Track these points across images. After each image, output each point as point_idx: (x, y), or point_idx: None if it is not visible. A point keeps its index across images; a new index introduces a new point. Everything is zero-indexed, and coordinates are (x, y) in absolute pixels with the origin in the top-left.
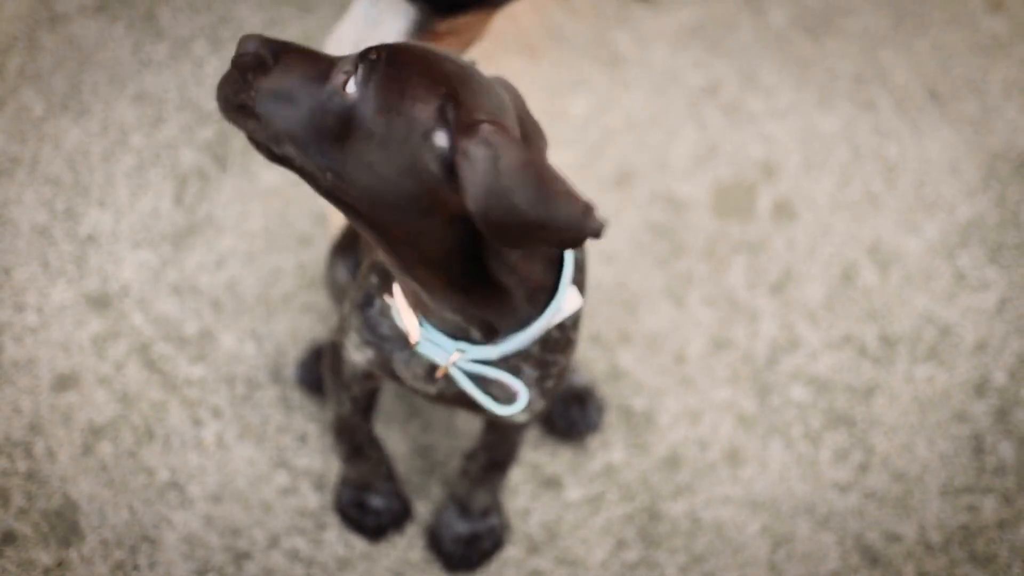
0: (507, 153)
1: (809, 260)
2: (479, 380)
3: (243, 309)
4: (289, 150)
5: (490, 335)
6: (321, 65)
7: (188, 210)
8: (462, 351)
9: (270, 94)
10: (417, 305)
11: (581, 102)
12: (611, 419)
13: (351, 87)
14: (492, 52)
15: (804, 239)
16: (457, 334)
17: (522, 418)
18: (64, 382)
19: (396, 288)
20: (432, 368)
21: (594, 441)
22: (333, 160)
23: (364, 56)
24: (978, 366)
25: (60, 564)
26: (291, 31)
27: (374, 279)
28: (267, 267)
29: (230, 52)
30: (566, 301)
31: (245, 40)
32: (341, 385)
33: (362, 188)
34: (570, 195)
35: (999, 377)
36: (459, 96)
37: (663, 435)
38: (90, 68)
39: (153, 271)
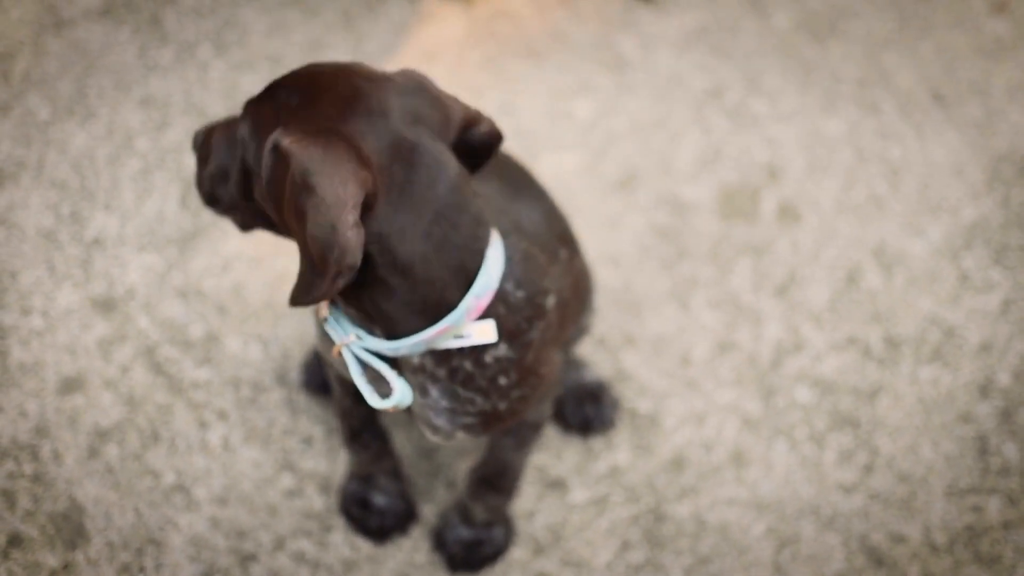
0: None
1: (813, 263)
2: (367, 368)
3: (249, 313)
4: (243, 216)
5: (391, 336)
6: (231, 129)
7: (194, 214)
8: (359, 337)
9: (211, 179)
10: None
11: (585, 105)
12: (617, 421)
13: (243, 131)
14: (497, 56)
15: (808, 242)
16: (363, 325)
17: (439, 439)
18: (70, 385)
19: None
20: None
21: (599, 443)
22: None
23: (246, 107)
24: (982, 367)
25: (66, 566)
26: (296, 35)
27: None
28: (273, 271)
29: (235, 56)
30: (474, 329)
31: (194, 137)
32: (329, 368)
33: (268, 213)
34: (329, 206)
35: (1003, 378)
36: (287, 122)
37: (668, 437)
38: (96, 72)
39: (159, 274)
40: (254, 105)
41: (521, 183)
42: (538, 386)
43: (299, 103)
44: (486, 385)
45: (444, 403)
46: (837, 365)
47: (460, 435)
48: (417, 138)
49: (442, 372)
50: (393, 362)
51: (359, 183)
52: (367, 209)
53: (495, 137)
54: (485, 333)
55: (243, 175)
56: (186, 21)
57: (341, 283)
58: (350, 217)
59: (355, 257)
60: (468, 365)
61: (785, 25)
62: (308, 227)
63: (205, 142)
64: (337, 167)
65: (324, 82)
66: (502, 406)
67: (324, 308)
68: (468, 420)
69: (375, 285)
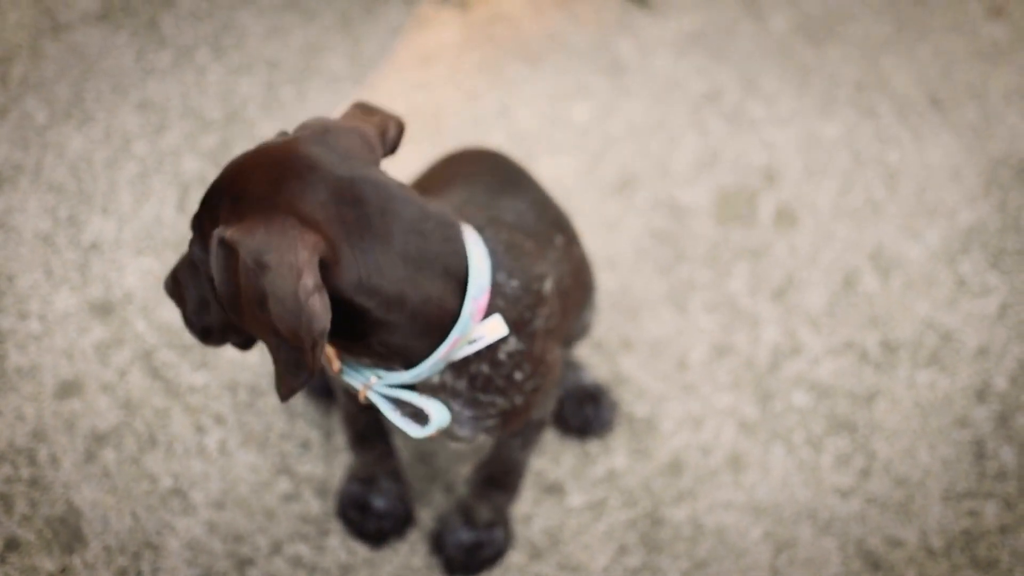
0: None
1: (811, 266)
2: (398, 403)
3: None
4: (237, 334)
5: (409, 365)
6: (189, 256)
7: (191, 217)
8: (379, 376)
9: (195, 314)
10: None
11: (583, 109)
12: (615, 425)
13: (195, 251)
14: (494, 59)
15: (806, 245)
16: (379, 365)
17: (463, 447)
18: (67, 389)
19: None
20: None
21: (596, 447)
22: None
23: (191, 226)
24: (979, 372)
25: (63, 570)
26: (294, 39)
27: None
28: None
29: (233, 60)
30: (483, 330)
31: (164, 285)
32: (333, 378)
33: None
34: (284, 278)
35: (1000, 382)
36: (227, 218)
37: (665, 441)
38: (93, 76)
39: (156, 278)
40: (196, 220)
41: (508, 179)
42: (547, 375)
43: (231, 199)
44: (504, 384)
45: (468, 413)
46: (834, 369)
47: (481, 438)
48: (351, 172)
49: (462, 384)
50: (413, 388)
51: (309, 246)
52: (332, 265)
53: (402, 130)
54: (495, 329)
55: (215, 293)
56: (184, 25)
57: (319, 352)
58: (309, 282)
59: (323, 322)
60: (485, 368)
61: (782, 28)
62: (271, 307)
63: (175, 283)
64: (282, 238)
65: (245, 170)
66: (519, 401)
67: (335, 362)
68: (490, 423)
69: (378, 328)
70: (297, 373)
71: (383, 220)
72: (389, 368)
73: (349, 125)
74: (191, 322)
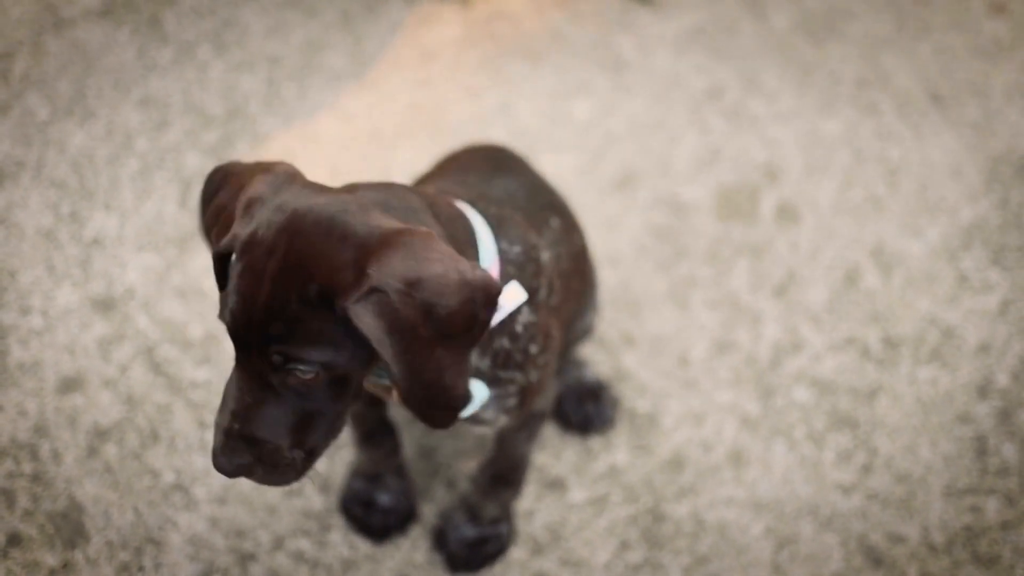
0: None
1: (812, 263)
2: None
3: None
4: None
5: None
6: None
7: (193, 213)
8: None
9: (293, 447)
10: None
11: (584, 106)
12: (617, 421)
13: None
14: (495, 57)
15: (807, 242)
16: None
17: (488, 430)
18: (69, 384)
19: None
20: None
21: (598, 443)
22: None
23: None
24: (981, 368)
25: (65, 566)
26: (295, 36)
27: None
28: None
29: (234, 57)
30: (506, 297)
31: (221, 466)
32: None
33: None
34: (447, 266)
35: (1002, 379)
36: (343, 287)
37: (667, 437)
38: (95, 72)
39: (158, 274)
40: (281, 349)
41: (502, 165)
42: (553, 349)
43: (324, 280)
44: (521, 358)
45: (491, 392)
46: (836, 365)
47: (502, 420)
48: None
49: (486, 363)
50: None
51: (433, 235)
52: None
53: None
54: (515, 295)
55: (336, 383)
56: (185, 22)
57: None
58: (464, 263)
59: (497, 284)
60: (506, 342)
61: (783, 26)
62: (441, 313)
63: (247, 446)
64: (409, 247)
65: (310, 255)
66: (534, 377)
67: None
68: (511, 402)
69: None
70: (462, 373)
71: (421, 217)
72: None
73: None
74: (290, 462)
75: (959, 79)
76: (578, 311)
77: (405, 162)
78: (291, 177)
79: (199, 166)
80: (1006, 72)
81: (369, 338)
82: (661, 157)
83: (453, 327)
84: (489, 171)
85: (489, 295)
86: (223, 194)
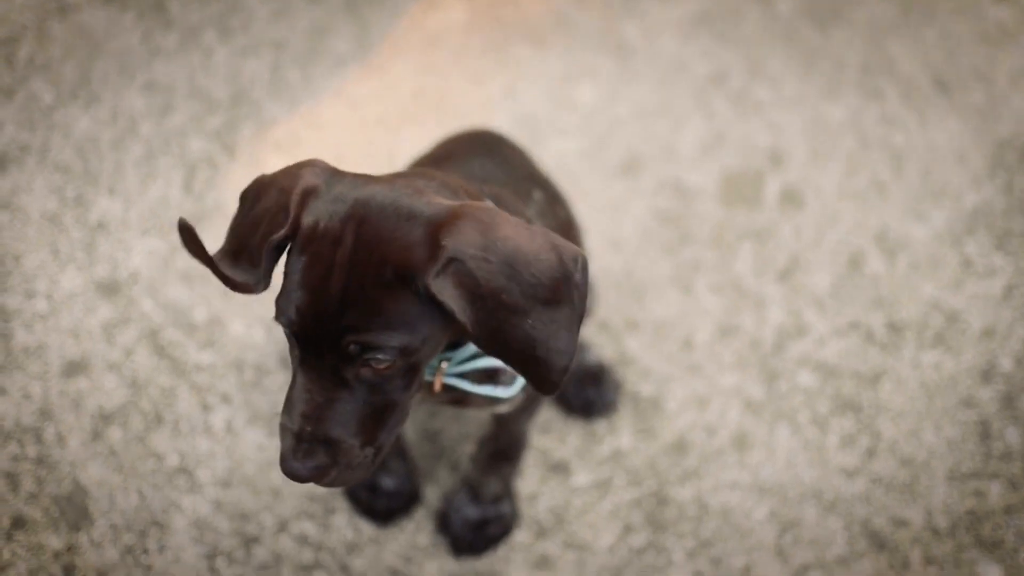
0: None
1: (816, 248)
2: (472, 376)
3: (252, 296)
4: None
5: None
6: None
7: (197, 198)
8: (447, 359)
9: (364, 446)
10: None
11: (588, 91)
12: (619, 405)
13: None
14: (500, 41)
15: (811, 227)
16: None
17: (504, 409)
18: (74, 368)
19: None
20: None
21: (602, 426)
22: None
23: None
24: (985, 352)
25: (70, 548)
26: (300, 21)
27: None
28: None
29: (239, 41)
30: None
31: (295, 471)
32: None
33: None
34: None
35: (1006, 363)
36: (421, 261)
37: (671, 421)
38: (100, 57)
39: (162, 258)
40: (354, 338)
41: (483, 147)
42: None
43: (399, 259)
44: None
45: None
46: (839, 350)
47: (518, 399)
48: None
49: None
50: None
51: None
52: None
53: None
54: None
55: (408, 371)
56: (190, 6)
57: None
58: (537, 226)
59: (576, 246)
60: None
61: (788, 11)
62: (525, 276)
63: (326, 452)
64: (483, 216)
65: (385, 240)
66: None
67: None
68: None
69: None
70: (570, 336)
71: (462, 197)
72: (454, 346)
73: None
74: (362, 459)
75: (964, 65)
76: None
77: (410, 147)
78: (335, 170)
79: (203, 151)
80: (1011, 57)
81: (453, 309)
82: (666, 142)
83: (543, 292)
84: (470, 152)
85: (573, 257)
86: (265, 201)
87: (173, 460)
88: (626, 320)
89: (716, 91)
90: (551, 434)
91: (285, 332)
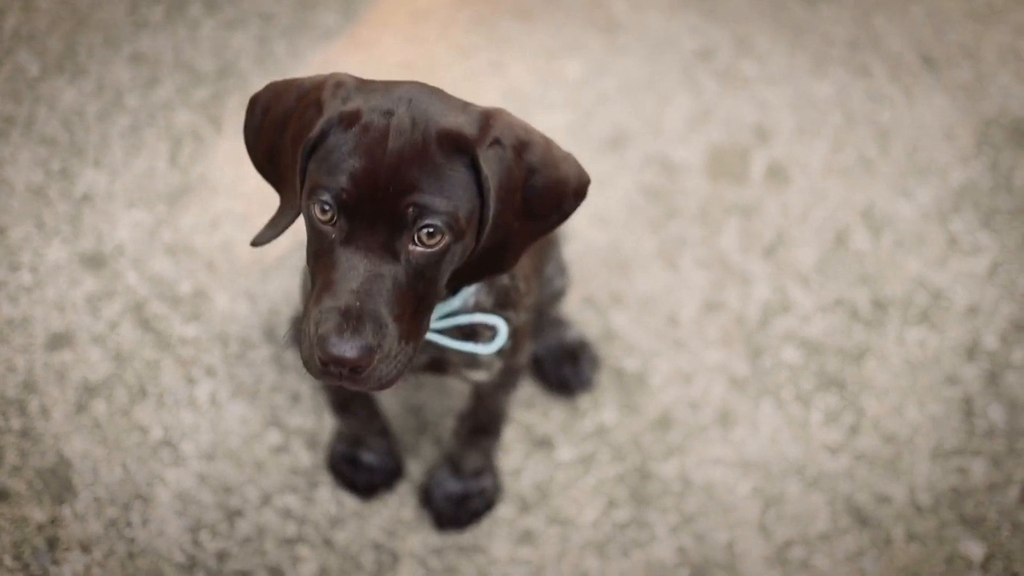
0: None
1: (802, 224)
2: (454, 333)
3: (237, 269)
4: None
5: (456, 288)
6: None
7: (183, 171)
8: None
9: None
10: None
11: (575, 66)
12: (603, 380)
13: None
14: (487, 15)
15: (797, 203)
16: None
17: (483, 376)
18: (58, 340)
19: None
20: None
21: (586, 401)
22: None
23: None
24: (969, 330)
25: (53, 521)
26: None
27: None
28: (261, 228)
29: (226, 14)
30: None
31: (340, 352)
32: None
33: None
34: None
35: (990, 341)
36: (473, 135)
37: (655, 396)
38: (86, 29)
39: (148, 231)
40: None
41: None
42: (533, 292)
43: (437, 159)
44: (515, 296)
45: (490, 336)
46: (824, 326)
47: (497, 365)
48: None
49: (491, 301)
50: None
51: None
52: None
53: None
54: None
55: (448, 258)
56: None
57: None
58: (559, 147)
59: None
60: (505, 279)
61: None
62: (551, 173)
63: (374, 331)
64: (510, 119)
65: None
66: (522, 319)
67: None
68: (508, 343)
69: None
70: (522, 251)
71: None
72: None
73: None
74: (399, 352)
75: (951, 41)
76: (543, 259)
77: None
78: (359, 77)
79: (189, 123)
80: (998, 35)
81: (489, 186)
82: (653, 117)
83: (541, 203)
84: None
85: (581, 183)
86: (284, 102)
87: (157, 433)
88: (612, 295)
89: (703, 67)
90: (535, 409)
91: (326, 211)
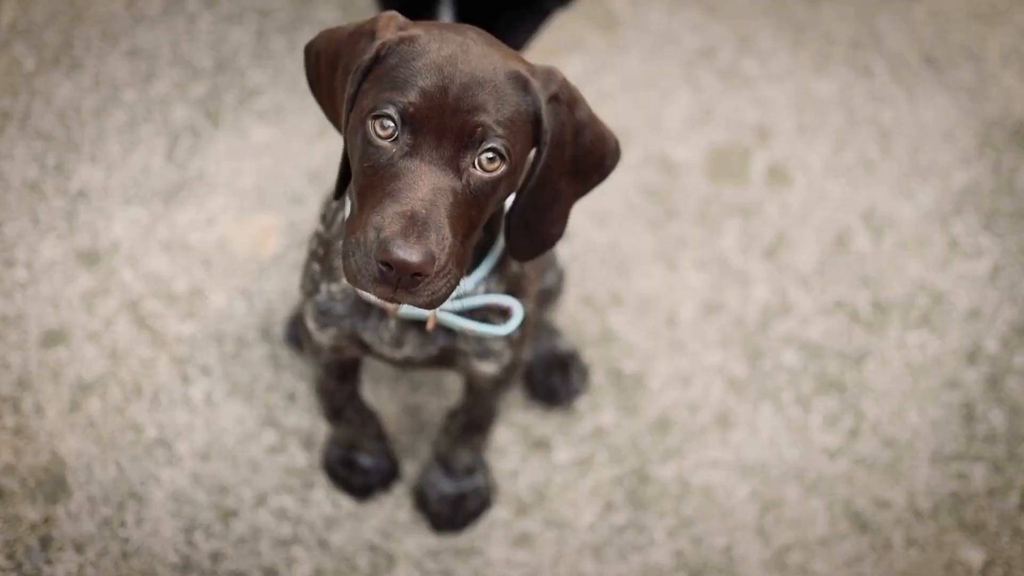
0: None
1: (803, 225)
2: (467, 314)
3: (234, 267)
4: None
5: (473, 266)
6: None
7: (180, 167)
8: None
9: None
10: None
11: (576, 63)
12: (601, 382)
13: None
14: None
15: (798, 204)
16: None
17: (492, 370)
18: (53, 338)
19: None
20: (401, 329)
21: (584, 403)
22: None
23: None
24: (970, 333)
25: (47, 520)
26: None
27: (316, 267)
28: (258, 225)
29: (224, 8)
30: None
31: (405, 255)
32: (313, 353)
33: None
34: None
35: (991, 345)
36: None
37: (653, 398)
38: (83, 23)
39: (144, 228)
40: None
41: None
42: (535, 281)
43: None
44: (525, 284)
45: (501, 322)
46: (824, 329)
47: (507, 355)
48: None
49: (503, 288)
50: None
51: None
52: None
53: None
54: None
55: (501, 191)
56: None
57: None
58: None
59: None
60: (515, 267)
61: None
62: (595, 130)
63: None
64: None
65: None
66: (529, 308)
67: (390, 304)
68: (516, 333)
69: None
70: (566, 219)
71: None
72: None
73: None
74: (448, 272)
75: (954, 42)
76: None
77: None
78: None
79: (187, 119)
80: (1001, 35)
81: (545, 141)
82: (653, 115)
83: (587, 160)
84: None
85: (617, 142)
86: (336, 43)
87: (152, 432)
88: (610, 295)
89: (704, 65)
90: (533, 411)
91: (387, 127)
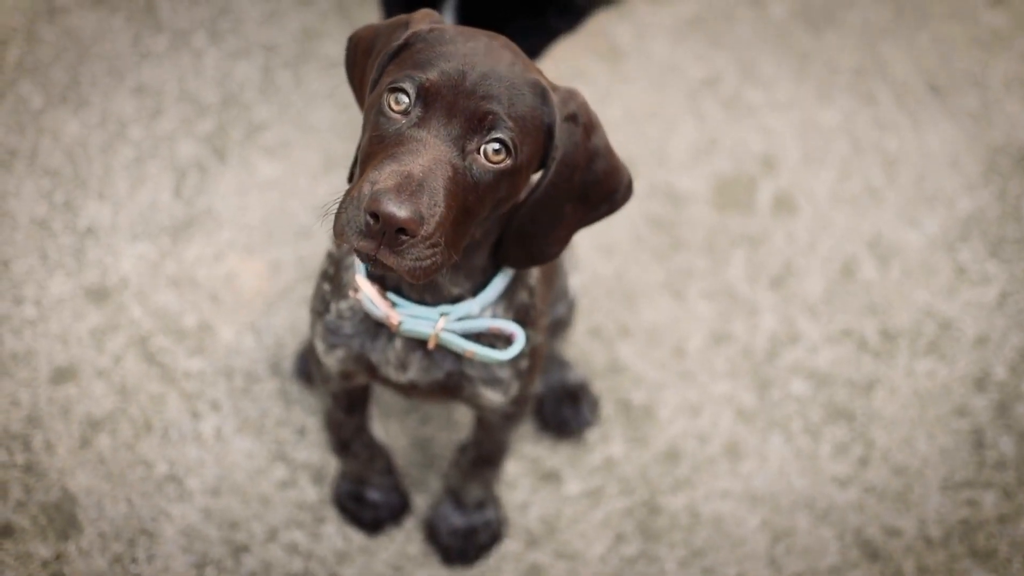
0: None
1: (809, 254)
2: (471, 337)
3: (242, 302)
4: None
5: (477, 289)
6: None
7: (187, 203)
8: (446, 314)
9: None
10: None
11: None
12: (610, 413)
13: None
14: None
15: (804, 233)
16: (438, 300)
17: (499, 399)
18: (62, 375)
19: (362, 281)
20: (406, 350)
21: (593, 435)
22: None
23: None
24: (978, 360)
25: (58, 557)
26: (291, 23)
27: (327, 287)
28: (266, 260)
29: (229, 45)
30: None
31: (391, 211)
32: (322, 381)
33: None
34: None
35: (999, 371)
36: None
37: (662, 429)
38: (89, 60)
39: (152, 264)
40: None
41: None
42: (546, 313)
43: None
44: (534, 315)
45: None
46: (832, 357)
47: (514, 386)
48: None
49: (510, 317)
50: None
51: None
52: None
53: None
54: None
55: (502, 189)
56: (180, 9)
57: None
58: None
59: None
60: (525, 297)
61: (781, 14)
62: (603, 158)
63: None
64: (581, 98)
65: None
66: (538, 339)
67: (394, 316)
68: (523, 364)
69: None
70: (569, 236)
71: None
72: (456, 300)
73: None
74: (436, 243)
75: (958, 69)
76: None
77: None
78: None
79: (193, 155)
80: (1005, 62)
81: (555, 152)
82: (658, 146)
83: (597, 190)
84: None
85: (630, 179)
86: (372, 37)
87: (162, 468)
88: (618, 326)
89: (708, 94)
90: (543, 443)
91: (401, 101)
